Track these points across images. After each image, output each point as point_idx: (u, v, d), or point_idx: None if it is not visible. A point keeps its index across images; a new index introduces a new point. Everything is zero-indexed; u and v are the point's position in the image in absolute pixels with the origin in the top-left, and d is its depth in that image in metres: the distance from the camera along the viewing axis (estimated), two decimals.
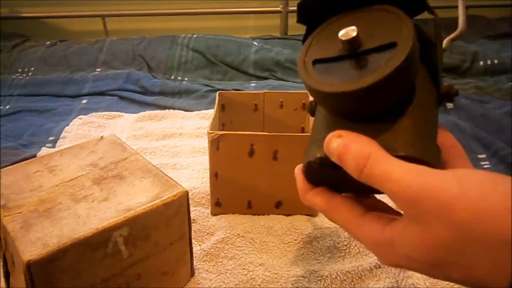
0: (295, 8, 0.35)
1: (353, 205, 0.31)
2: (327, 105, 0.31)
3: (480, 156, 0.90)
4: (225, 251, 0.64)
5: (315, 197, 0.32)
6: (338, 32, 0.29)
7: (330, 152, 0.29)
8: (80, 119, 1.04)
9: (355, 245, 0.65)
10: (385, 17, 0.31)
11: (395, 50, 0.28)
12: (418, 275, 0.57)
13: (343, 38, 0.29)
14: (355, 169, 0.27)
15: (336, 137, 0.29)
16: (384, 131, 0.29)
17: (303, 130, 0.83)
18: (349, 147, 0.28)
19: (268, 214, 0.72)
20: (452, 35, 0.88)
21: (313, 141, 0.32)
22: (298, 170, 0.34)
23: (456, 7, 1.63)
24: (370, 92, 0.27)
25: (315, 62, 0.32)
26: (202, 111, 1.09)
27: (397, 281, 0.58)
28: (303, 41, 0.35)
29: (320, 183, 0.33)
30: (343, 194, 0.33)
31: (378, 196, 0.36)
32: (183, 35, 1.43)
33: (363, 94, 0.27)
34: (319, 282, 0.59)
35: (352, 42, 0.29)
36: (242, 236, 0.67)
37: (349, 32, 0.29)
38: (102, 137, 0.63)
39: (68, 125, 1.01)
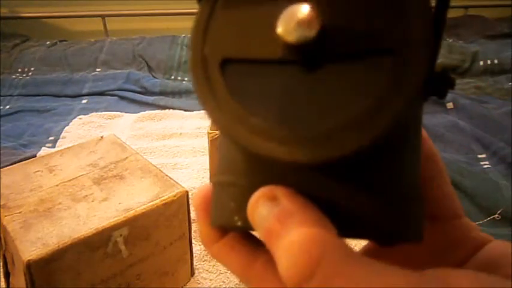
0: None
1: None
2: (257, 159, 0.16)
3: (480, 156, 0.90)
4: None
5: (227, 255, 0.20)
6: (269, 7, 0.16)
7: (255, 222, 0.17)
8: (80, 119, 1.04)
9: (355, 245, 0.65)
10: None
11: (393, 65, 0.14)
12: None
13: (291, 39, 0.15)
14: (292, 271, 0.15)
15: (268, 200, 0.16)
16: (346, 190, 0.16)
17: None
18: (287, 226, 0.15)
19: None
20: None
21: (225, 184, 0.18)
22: (201, 202, 0.20)
23: (456, 7, 1.63)
24: (350, 157, 0.15)
25: (227, 62, 0.16)
26: (203, 111, 1.09)
27: None
28: None
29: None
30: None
31: None
32: (183, 35, 1.43)
33: (339, 160, 0.15)
34: None
35: (307, 47, 0.15)
36: None
37: (302, 25, 0.14)
38: (102, 137, 0.63)
39: (68, 125, 1.01)
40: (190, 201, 0.55)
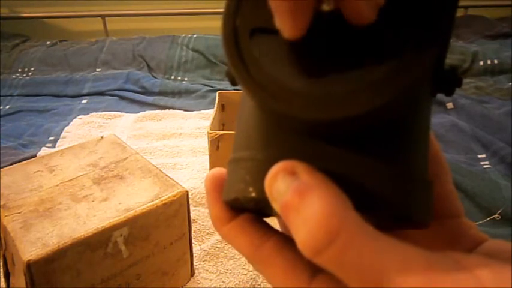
0: None
1: (295, 260, 0.19)
2: (283, 121, 0.18)
3: (480, 156, 0.90)
4: (225, 251, 0.64)
5: (237, 237, 0.20)
6: None
7: (272, 195, 0.17)
8: (80, 119, 1.05)
9: None
10: None
11: (408, 44, 0.16)
12: None
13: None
14: (311, 241, 0.15)
15: (288, 174, 0.17)
16: (363, 167, 0.17)
17: None
18: (306, 199, 0.16)
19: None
20: None
21: (241, 159, 0.19)
22: (212, 183, 0.20)
23: (460, 7, 1.63)
24: (373, 113, 0.16)
25: (256, 32, 0.18)
26: (202, 111, 1.09)
27: None
28: None
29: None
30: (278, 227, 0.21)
31: None
32: (183, 35, 1.43)
33: (362, 116, 0.16)
34: None
35: (331, 16, 0.17)
36: None
37: None
38: (102, 137, 0.63)
39: (68, 125, 1.01)
40: (190, 201, 0.55)
